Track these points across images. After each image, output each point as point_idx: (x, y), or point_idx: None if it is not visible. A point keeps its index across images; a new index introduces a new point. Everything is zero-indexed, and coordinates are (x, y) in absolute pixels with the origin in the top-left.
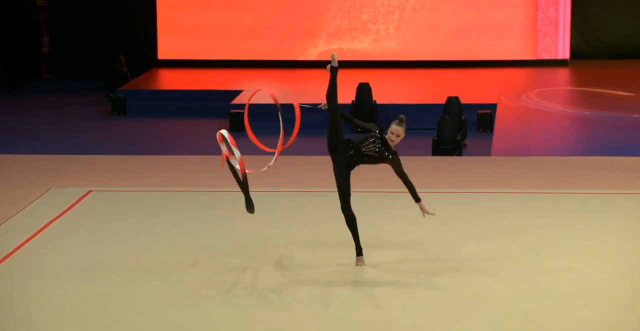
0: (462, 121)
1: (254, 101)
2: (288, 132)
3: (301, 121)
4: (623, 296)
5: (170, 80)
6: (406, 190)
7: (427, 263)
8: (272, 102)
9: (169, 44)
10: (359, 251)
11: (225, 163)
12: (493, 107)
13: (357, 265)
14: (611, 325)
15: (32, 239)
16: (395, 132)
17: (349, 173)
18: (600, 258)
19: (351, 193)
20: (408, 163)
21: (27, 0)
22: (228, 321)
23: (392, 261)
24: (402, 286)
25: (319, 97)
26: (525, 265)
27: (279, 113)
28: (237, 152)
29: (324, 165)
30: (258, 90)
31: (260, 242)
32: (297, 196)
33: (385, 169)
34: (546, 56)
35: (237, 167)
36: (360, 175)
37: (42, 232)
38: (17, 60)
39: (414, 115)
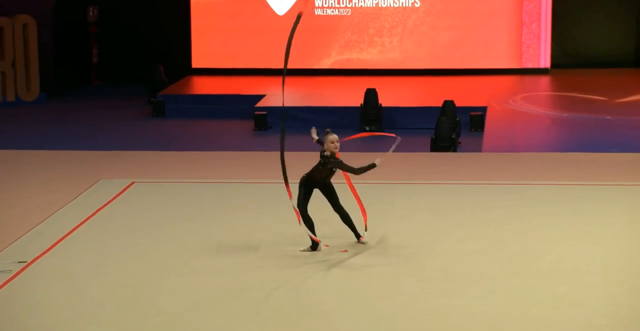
0: (456, 122)
1: (274, 104)
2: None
3: (311, 121)
4: (596, 275)
5: (203, 86)
6: (409, 181)
7: (426, 246)
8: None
9: (202, 54)
10: (358, 234)
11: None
12: (483, 109)
13: (361, 242)
14: (585, 299)
15: (84, 224)
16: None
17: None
18: (576, 241)
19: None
20: (409, 158)
21: (79, 16)
22: (253, 305)
23: (394, 244)
24: (404, 266)
25: (332, 99)
26: (511, 247)
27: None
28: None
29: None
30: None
31: (288, 227)
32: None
33: (393, 165)
34: (530, 65)
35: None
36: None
37: (92, 217)
38: (71, 68)
39: (414, 116)
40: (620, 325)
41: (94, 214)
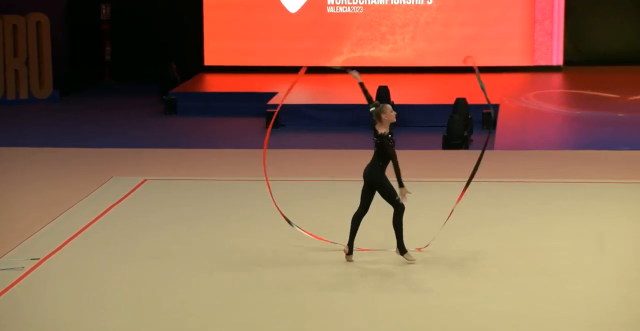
0: (468, 119)
1: (286, 101)
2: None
3: (323, 119)
4: (608, 272)
5: (215, 84)
6: (421, 179)
7: (440, 243)
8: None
9: (214, 52)
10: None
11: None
12: (496, 107)
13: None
14: (599, 296)
15: (96, 221)
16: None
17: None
18: (589, 239)
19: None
20: (421, 156)
21: (92, 14)
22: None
23: (410, 242)
24: (418, 263)
25: (344, 97)
26: (524, 245)
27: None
28: None
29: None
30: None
31: (300, 224)
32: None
33: (404, 163)
34: (542, 63)
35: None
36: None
37: (105, 215)
38: (84, 66)
39: (426, 114)
40: (636, 323)
41: (106, 212)
